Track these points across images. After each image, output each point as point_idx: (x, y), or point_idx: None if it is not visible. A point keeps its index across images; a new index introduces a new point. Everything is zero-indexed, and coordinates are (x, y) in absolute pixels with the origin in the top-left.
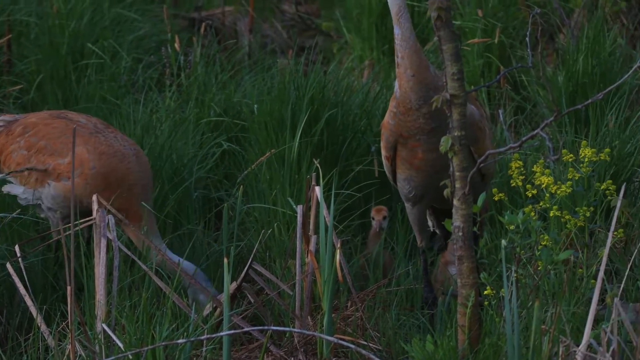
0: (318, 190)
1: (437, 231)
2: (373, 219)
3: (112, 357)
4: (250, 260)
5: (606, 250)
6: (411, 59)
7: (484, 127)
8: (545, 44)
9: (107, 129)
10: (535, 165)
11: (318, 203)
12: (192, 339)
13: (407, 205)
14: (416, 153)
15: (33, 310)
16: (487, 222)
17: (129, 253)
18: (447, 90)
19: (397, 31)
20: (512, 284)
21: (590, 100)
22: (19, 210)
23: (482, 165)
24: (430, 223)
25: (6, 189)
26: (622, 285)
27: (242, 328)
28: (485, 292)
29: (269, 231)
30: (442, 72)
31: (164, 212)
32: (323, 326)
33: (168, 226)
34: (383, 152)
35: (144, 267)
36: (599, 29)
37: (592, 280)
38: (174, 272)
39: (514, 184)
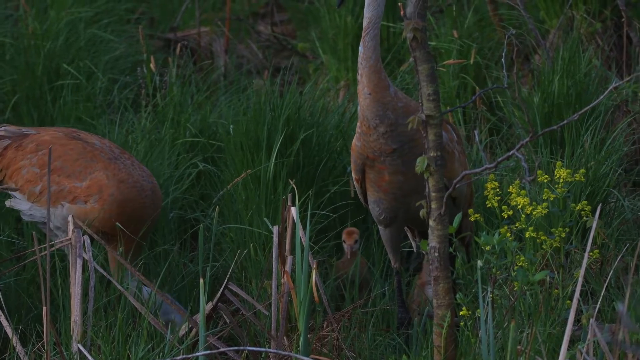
0: (294, 211)
1: (423, 252)
2: (344, 242)
3: None
4: (226, 280)
5: (582, 271)
6: (369, 78)
7: (453, 150)
8: (520, 64)
9: (123, 155)
10: (511, 186)
11: (294, 223)
12: (167, 359)
13: (380, 227)
14: (383, 175)
15: (8, 331)
16: (472, 242)
17: (104, 273)
18: (423, 111)
19: (360, 49)
20: (488, 305)
21: (565, 121)
22: None
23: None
24: (413, 244)
25: (9, 203)
26: (597, 306)
27: (218, 348)
28: (461, 313)
29: (245, 251)
30: (403, 95)
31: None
32: (299, 346)
33: (144, 246)
34: (353, 174)
35: (119, 287)
36: (574, 50)
37: (568, 301)
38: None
39: (489, 205)
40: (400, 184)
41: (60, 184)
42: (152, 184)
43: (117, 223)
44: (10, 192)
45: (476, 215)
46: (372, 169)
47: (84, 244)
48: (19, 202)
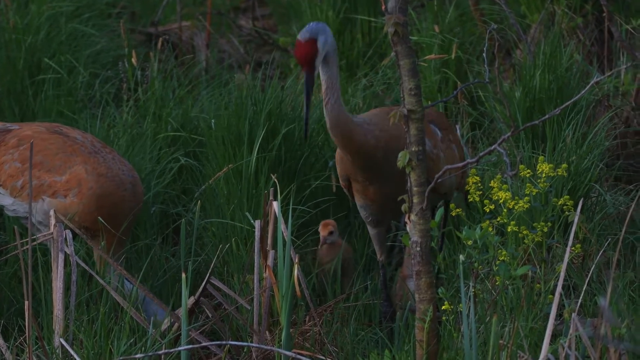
0: (276, 205)
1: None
2: (320, 232)
3: None
4: (208, 275)
5: (564, 266)
6: (340, 140)
7: (438, 155)
8: (502, 59)
9: (105, 149)
10: (492, 181)
11: (276, 218)
12: (150, 354)
13: (368, 227)
14: (367, 189)
15: None
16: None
17: (86, 268)
18: (405, 105)
19: (325, 115)
20: (470, 299)
21: (547, 116)
22: None
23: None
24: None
25: None
26: (579, 301)
27: (200, 343)
28: (443, 307)
29: (227, 246)
30: (376, 120)
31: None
32: (281, 341)
33: (126, 241)
34: (340, 181)
35: (101, 281)
36: (555, 44)
37: (550, 296)
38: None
39: (471, 200)
40: (387, 196)
41: (40, 178)
42: (132, 177)
43: (98, 217)
44: None
45: (458, 210)
46: (356, 182)
47: (65, 238)
48: (2, 197)
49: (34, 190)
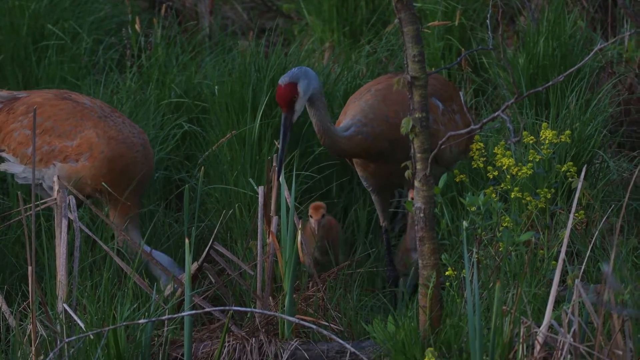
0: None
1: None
2: (311, 217)
3: (74, 337)
4: (211, 240)
5: (567, 232)
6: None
7: (438, 129)
8: (505, 26)
9: (114, 113)
10: (496, 147)
11: (279, 184)
12: (153, 319)
13: (371, 194)
14: (368, 165)
15: None
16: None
17: (90, 233)
18: (408, 72)
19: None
20: (473, 265)
21: (550, 83)
22: None
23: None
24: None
25: (3, 167)
26: (583, 267)
27: (204, 308)
28: (447, 273)
29: (230, 212)
30: (355, 126)
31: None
32: (284, 307)
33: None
34: None
35: (105, 247)
36: (559, 11)
37: (553, 262)
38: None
39: (475, 166)
40: (388, 170)
41: (51, 144)
42: (142, 140)
43: (110, 180)
44: (3, 156)
45: (462, 176)
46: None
47: (69, 204)
48: (13, 165)
49: (45, 156)
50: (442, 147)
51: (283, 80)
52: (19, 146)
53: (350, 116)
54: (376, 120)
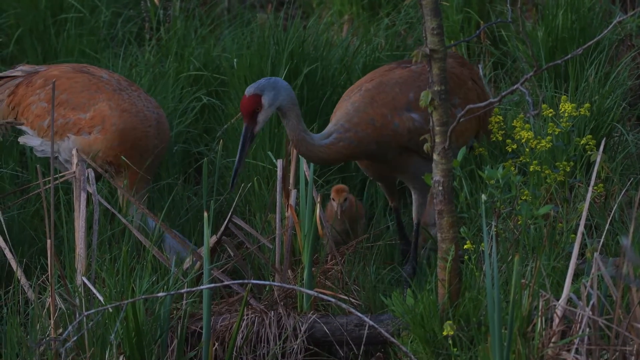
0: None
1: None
2: (333, 200)
3: (93, 310)
4: (230, 214)
5: (586, 205)
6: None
7: (423, 127)
8: None
9: (131, 87)
10: (515, 120)
11: (298, 157)
12: (172, 293)
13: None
14: (362, 161)
15: (13, 264)
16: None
17: (108, 207)
18: (427, 44)
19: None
20: (492, 239)
21: (569, 55)
22: None
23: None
24: None
25: (22, 139)
26: (601, 240)
27: (222, 282)
28: (465, 247)
29: (249, 185)
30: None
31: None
32: (303, 280)
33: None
34: None
35: (123, 220)
36: None
37: (572, 235)
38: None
39: (494, 139)
40: (381, 167)
41: (65, 116)
42: (157, 115)
43: (121, 153)
44: (22, 129)
45: (481, 149)
46: None
47: (88, 177)
48: (31, 139)
49: (60, 128)
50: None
51: (248, 91)
52: (36, 119)
53: (334, 121)
54: (361, 124)
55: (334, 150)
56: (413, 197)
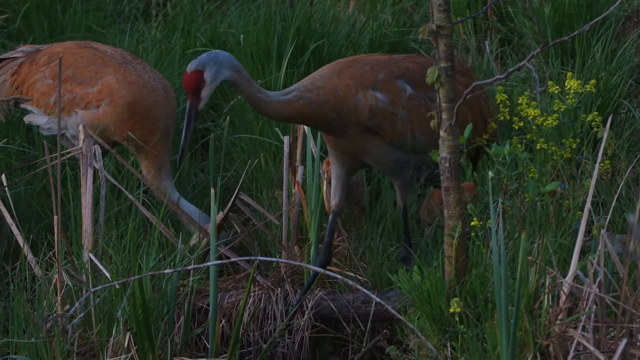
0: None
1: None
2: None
3: (99, 287)
4: (237, 190)
5: (593, 182)
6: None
7: (394, 112)
8: None
9: (135, 60)
10: (520, 98)
11: (304, 134)
12: (179, 269)
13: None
14: (327, 137)
15: (20, 240)
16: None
17: (115, 183)
18: (434, 21)
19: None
20: (498, 215)
21: (576, 32)
22: (5, 140)
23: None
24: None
25: (28, 119)
26: (608, 217)
27: (229, 258)
28: (472, 223)
29: (256, 161)
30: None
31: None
32: (310, 257)
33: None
34: None
35: (130, 197)
36: None
37: (579, 212)
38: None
39: (501, 118)
40: (346, 146)
41: (72, 92)
42: (163, 84)
43: (133, 125)
44: (27, 108)
45: (493, 124)
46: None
47: (94, 153)
48: (36, 117)
49: (67, 104)
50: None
51: (190, 67)
52: (41, 96)
53: (298, 83)
54: (324, 88)
55: (293, 107)
56: (394, 184)
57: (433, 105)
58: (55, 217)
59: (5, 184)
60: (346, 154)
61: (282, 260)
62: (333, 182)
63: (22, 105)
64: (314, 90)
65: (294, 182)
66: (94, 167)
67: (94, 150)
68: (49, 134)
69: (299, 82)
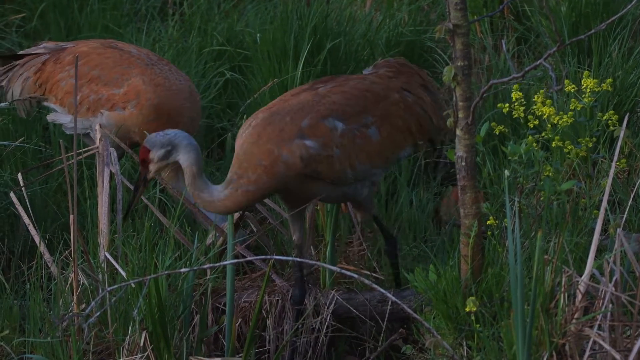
0: None
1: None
2: None
3: (115, 286)
4: None
5: (609, 181)
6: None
7: (330, 154)
8: None
9: (161, 61)
10: (535, 96)
11: None
12: (194, 268)
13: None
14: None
15: (36, 238)
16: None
17: (131, 187)
18: (450, 19)
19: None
20: (515, 214)
21: (593, 31)
22: (22, 139)
23: None
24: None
25: (51, 117)
26: (624, 216)
27: (245, 257)
28: (488, 222)
29: None
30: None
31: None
32: (326, 256)
33: None
34: None
35: (145, 201)
36: None
37: (595, 211)
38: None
39: (516, 115)
40: (293, 194)
41: (98, 92)
42: (189, 87)
43: (158, 127)
44: (50, 107)
45: (500, 127)
46: None
47: (110, 157)
48: (60, 116)
49: (93, 104)
50: (485, 95)
51: (145, 140)
52: (66, 96)
53: (231, 167)
54: (250, 168)
55: (234, 200)
56: (353, 205)
57: (371, 130)
58: (72, 216)
59: (21, 183)
60: (293, 200)
61: (298, 259)
62: (290, 220)
63: (45, 104)
64: (244, 176)
65: None
66: (110, 170)
67: (110, 150)
68: (72, 133)
69: (231, 168)
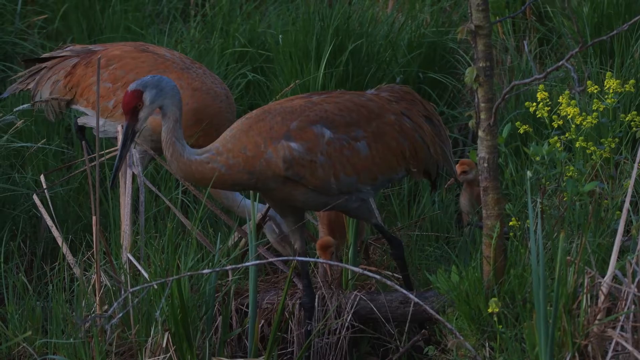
0: None
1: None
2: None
3: (138, 287)
4: None
5: (632, 182)
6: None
7: (313, 160)
8: None
9: (194, 65)
10: (561, 97)
11: None
12: (217, 269)
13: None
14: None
15: (59, 240)
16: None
17: (153, 188)
18: (472, 21)
19: None
20: (537, 215)
21: (615, 31)
22: (43, 140)
23: None
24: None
25: (82, 120)
26: None
27: (267, 259)
28: (511, 223)
29: None
30: (209, 152)
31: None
32: (348, 257)
33: None
34: None
35: (167, 202)
36: None
37: (618, 212)
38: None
39: (539, 115)
40: (278, 198)
41: None
42: (225, 90)
43: (196, 131)
44: (80, 110)
45: (524, 126)
46: None
47: (133, 159)
48: (92, 119)
49: None
50: (507, 96)
51: (130, 86)
52: (99, 99)
53: (214, 142)
54: (233, 151)
55: (201, 170)
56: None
57: (360, 144)
58: (94, 218)
59: (44, 184)
60: (278, 205)
61: (320, 260)
62: (289, 231)
63: (74, 107)
64: (223, 154)
65: None
66: (133, 172)
67: (132, 156)
68: (105, 137)
69: (214, 142)
